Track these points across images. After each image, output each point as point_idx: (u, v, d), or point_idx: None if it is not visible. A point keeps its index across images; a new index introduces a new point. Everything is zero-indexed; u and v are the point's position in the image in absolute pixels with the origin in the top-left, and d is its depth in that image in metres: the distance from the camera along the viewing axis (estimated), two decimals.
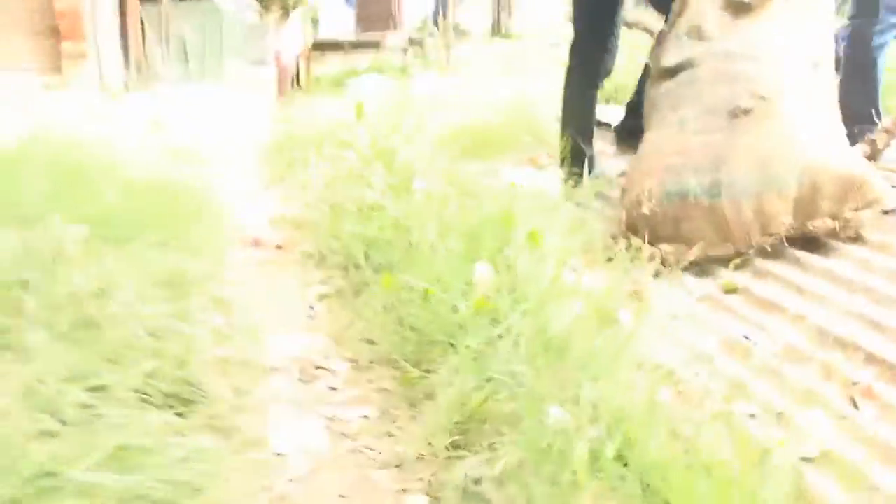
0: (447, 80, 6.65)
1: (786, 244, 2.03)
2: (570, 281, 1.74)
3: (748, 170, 2.04)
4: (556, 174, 2.82)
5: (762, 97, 2.10)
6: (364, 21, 15.68)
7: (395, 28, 12.44)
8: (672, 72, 2.37)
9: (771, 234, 2.04)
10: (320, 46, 8.04)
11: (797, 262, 2.03)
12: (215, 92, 12.16)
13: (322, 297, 2.18)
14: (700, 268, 2.10)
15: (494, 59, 9.43)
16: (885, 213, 2.07)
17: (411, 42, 8.29)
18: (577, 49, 2.88)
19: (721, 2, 2.35)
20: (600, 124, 3.22)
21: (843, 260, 2.00)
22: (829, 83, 2.31)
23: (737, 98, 2.13)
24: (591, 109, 2.95)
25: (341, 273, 2.25)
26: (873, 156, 2.38)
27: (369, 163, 2.81)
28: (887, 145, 2.42)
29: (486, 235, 1.90)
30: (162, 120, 5.23)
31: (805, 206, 2.01)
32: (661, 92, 2.39)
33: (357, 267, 2.14)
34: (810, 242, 2.06)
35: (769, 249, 2.06)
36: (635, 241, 2.15)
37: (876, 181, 2.04)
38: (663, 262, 2.09)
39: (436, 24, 15.28)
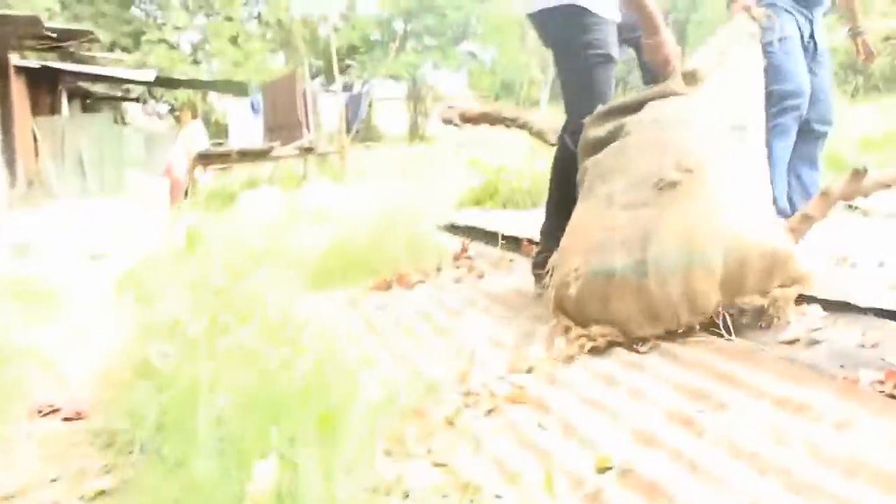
0: (340, 190, 6.38)
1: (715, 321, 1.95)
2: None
3: (675, 246, 1.96)
4: None
5: (688, 169, 2.04)
6: (272, 129, 15.53)
7: (303, 135, 12.22)
8: (602, 143, 2.33)
9: (700, 313, 1.96)
10: (205, 158, 7.69)
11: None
12: (109, 207, 11.64)
13: (97, 496, 1.70)
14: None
15: (401, 164, 9.29)
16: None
17: (306, 151, 8.00)
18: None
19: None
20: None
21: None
22: (757, 150, 2.27)
23: (664, 170, 2.07)
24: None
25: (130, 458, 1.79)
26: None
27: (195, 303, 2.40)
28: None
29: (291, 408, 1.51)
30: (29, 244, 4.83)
31: (732, 282, 1.93)
32: (590, 164, 2.34)
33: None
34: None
35: (697, 329, 1.98)
36: (564, 321, 2.12)
37: (801, 259, 1.98)
38: (593, 346, 2.03)
39: (348, 130, 15.24)
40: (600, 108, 2.46)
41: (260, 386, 1.63)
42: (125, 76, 12.80)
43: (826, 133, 3.16)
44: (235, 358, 1.84)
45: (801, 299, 2.02)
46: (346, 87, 21.22)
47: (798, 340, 1.82)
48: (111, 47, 19.62)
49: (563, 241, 2.27)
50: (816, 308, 1.95)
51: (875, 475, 1.21)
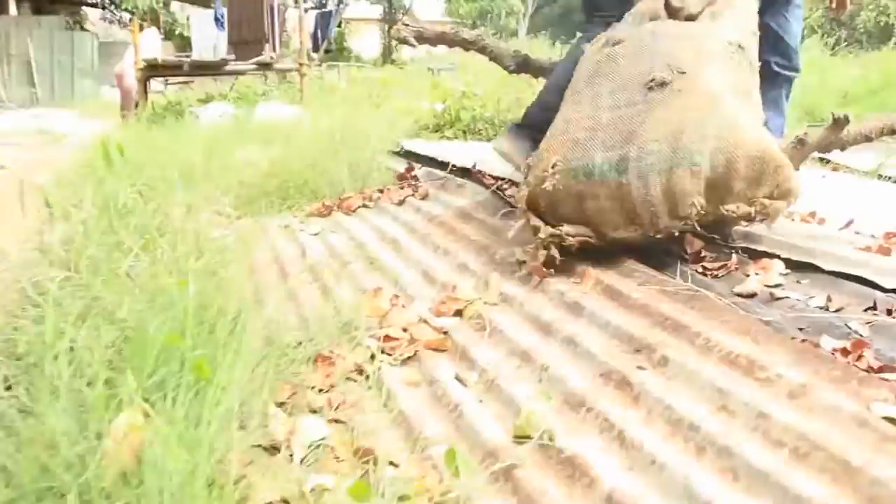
0: (294, 110, 6.03)
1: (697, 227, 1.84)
2: None
3: (659, 144, 1.82)
4: None
5: (681, 70, 1.92)
6: (236, 44, 14.80)
7: (271, 51, 11.65)
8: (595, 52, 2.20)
9: (681, 218, 1.81)
10: (154, 68, 7.20)
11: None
12: (57, 118, 11.07)
13: None
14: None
15: (365, 86, 8.88)
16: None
17: (263, 66, 7.55)
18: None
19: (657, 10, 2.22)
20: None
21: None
22: (753, 69, 2.13)
23: (654, 70, 1.95)
24: None
25: None
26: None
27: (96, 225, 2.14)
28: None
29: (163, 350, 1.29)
30: None
31: (718, 186, 1.79)
32: (579, 70, 2.20)
33: None
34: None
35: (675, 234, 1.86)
36: (534, 220, 1.97)
37: (792, 171, 1.82)
38: (561, 245, 1.90)
39: (316, 49, 14.61)
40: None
41: (135, 323, 1.41)
42: None
43: (791, 79, 2.98)
44: (120, 289, 1.61)
45: (762, 254, 1.84)
46: (320, 5, 20.36)
47: (756, 295, 1.63)
48: None
49: (543, 143, 2.09)
50: (778, 264, 1.76)
51: (826, 461, 1.03)
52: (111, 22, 21.44)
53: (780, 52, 2.88)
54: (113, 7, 19.47)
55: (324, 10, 15.49)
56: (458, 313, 1.81)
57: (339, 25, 16.68)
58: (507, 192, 2.82)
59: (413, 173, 3.40)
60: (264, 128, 5.00)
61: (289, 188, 3.43)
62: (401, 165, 3.65)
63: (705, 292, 1.60)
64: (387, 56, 24.46)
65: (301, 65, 7.15)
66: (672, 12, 2.18)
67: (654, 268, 1.82)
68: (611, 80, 2.04)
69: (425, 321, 1.78)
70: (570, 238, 1.90)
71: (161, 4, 17.87)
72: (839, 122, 1.90)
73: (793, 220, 2.69)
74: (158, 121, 6.17)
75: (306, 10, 15.79)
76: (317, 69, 8.99)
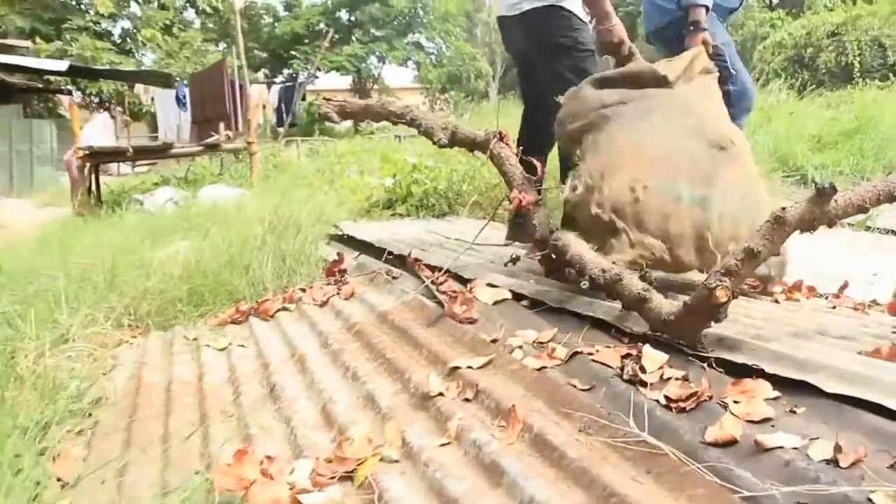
0: (237, 193, 5.66)
1: None
2: None
3: (736, 198, 2.09)
4: None
5: (732, 141, 2.20)
6: (199, 123, 14.63)
7: (233, 130, 11.43)
8: (606, 105, 2.32)
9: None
10: (94, 156, 6.82)
11: None
12: (12, 207, 10.67)
13: None
14: None
15: (324, 160, 8.56)
16: None
17: (210, 148, 7.20)
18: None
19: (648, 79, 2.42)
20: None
21: None
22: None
23: (710, 133, 2.20)
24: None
25: None
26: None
27: None
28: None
29: None
30: None
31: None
32: (598, 116, 2.30)
33: None
34: None
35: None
36: (620, 223, 2.08)
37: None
38: (640, 256, 2.05)
39: (280, 124, 14.37)
40: (595, 75, 2.49)
41: None
42: (35, 66, 11.76)
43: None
44: None
45: (742, 369, 1.42)
46: (290, 78, 20.34)
47: (735, 443, 1.20)
48: (30, 35, 18.41)
49: (602, 158, 2.20)
50: (764, 386, 1.34)
51: None
52: (82, 107, 21.26)
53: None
54: (79, 92, 19.34)
55: (287, 84, 15.41)
56: (347, 477, 1.36)
57: (304, 98, 16.51)
58: (441, 288, 2.41)
59: (342, 266, 2.99)
60: (198, 215, 4.60)
61: (203, 292, 2.99)
62: (336, 254, 3.24)
63: (666, 449, 1.17)
64: (357, 126, 24.45)
65: (249, 143, 6.80)
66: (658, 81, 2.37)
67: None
68: (664, 120, 2.22)
69: (307, 479, 1.34)
70: (650, 252, 2.05)
71: (125, 87, 17.73)
72: (824, 194, 1.50)
73: (777, 300, 2.31)
74: (94, 211, 5.77)
75: (269, 86, 15.70)
76: (272, 145, 8.64)
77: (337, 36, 25.51)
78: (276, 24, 26.50)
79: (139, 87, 17.55)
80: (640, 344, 1.59)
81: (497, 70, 27.39)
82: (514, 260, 2.61)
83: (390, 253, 3.08)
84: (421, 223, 4.33)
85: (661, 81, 2.39)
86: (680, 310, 1.55)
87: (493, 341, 1.83)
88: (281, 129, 13.15)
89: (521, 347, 1.72)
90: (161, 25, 21.43)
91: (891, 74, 13.66)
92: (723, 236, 2.03)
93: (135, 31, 21.60)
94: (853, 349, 1.57)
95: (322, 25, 25.17)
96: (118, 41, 21.43)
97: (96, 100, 20.27)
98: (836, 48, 15.16)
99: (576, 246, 2.02)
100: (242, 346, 2.45)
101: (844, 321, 1.92)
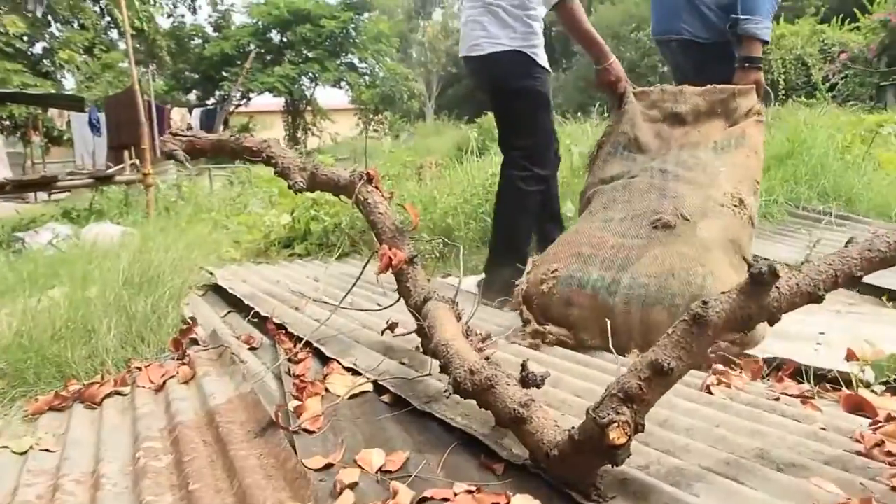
0: (118, 232, 5.10)
1: None
2: None
3: (648, 279, 2.09)
4: None
5: (685, 217, 2.22)
6: (116, 149, 13.88)
7: (153, 156, 10.74)
8: (611, 179, 2.53)
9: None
10: None
11: None
12: None
13: None
14: None
15: (232, 190, 8.02)
16: None
17: (100, 180, 6.59)
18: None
19: (656, 114, 2.59)
20: None
21: None
22: (749, 223, 2.35)
23: (662, 211, 2.25)
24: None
25: None
26: None
27: None
28: None
29: None
30: None
31: None
32: (596, 192, 2.53)
33: None
34: None
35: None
36: (526, 314, 2.25)
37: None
38: (543, 340, 2.19)
39: None
40: (605, 148, 2.67)
41: None
42: None
43: None
44: None
45: None
46: (221, 100, 19.55)
47: None
48: None
49: (551, 248, 2.39)
50: None
51: None
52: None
53: None
54: None
55: (208, 107, 14.73)
56: None
57: (226, 123, 15.83)
58: (297, 369, 1.96)
59: (192, 334, 2.50)
60: (61, 261, 4.03)
61: (24, 367, 2.46)
62: (188, 318, 2.75)
63: None
64: (294, 147, 23.81)
65: (145, 174, 6.22)
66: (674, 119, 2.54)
67: None
68: (623, 210, 2.34)
69: None
70: (551, 336, 2.18)
71: (38, 111, 16.77)
72: (761, 282, 1.11)
73: (710, 388, 1.89)
74: None
75: (190, 110, 14.99)
76: (185, 174, 8.03)
77: (269, 57, 24.87)
78: (205, 46, 25.68)
79: (53, 112, 16.61)
80: (508, 494, 1.16)
81: (433, 90, 27.14)
82: (392, 328, 2.18)
83: (256, 314, 2.62)
84: (315, 267, 3.86)
85: (678, 121, 2.55)
86: (566, 444, 1.12)
87: (327, 466, 1.38)
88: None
89: (352, 487, 1.27)
90: (81, 47, 20.48)
91: (816, 92, 13.84)
92: (630, 320, 2.05)
93: (53, 52, 20.58)
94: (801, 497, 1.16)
95: (252, 46, 24.53)
96: (36, 62, 20.36)
97: (8, 123, 19.17)
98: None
99: (445, 329, 1.59)
100: (47, 450, 1.94)
101: (790, 430, 1.49)
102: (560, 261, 2.25)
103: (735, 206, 2.30)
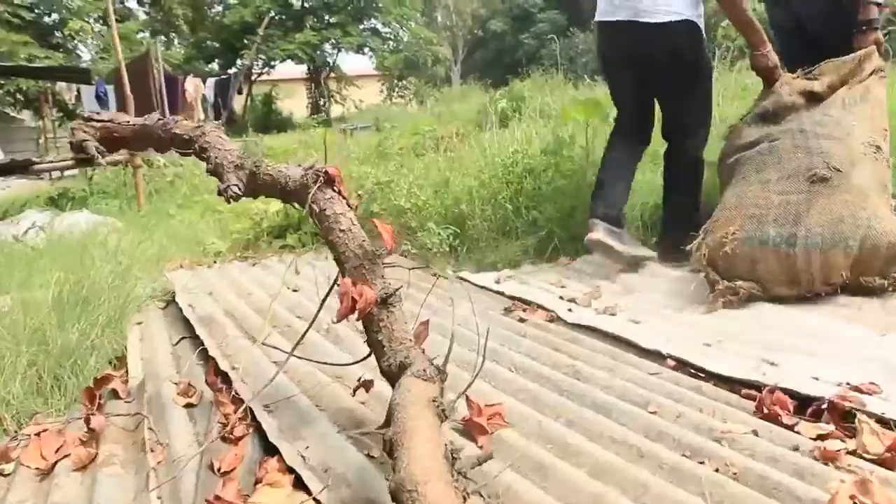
0: (96, 221, 4.55)
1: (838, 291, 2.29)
2: None
3: (822, 228, 2.31)
4: None
5: (837, 168, 2.40)
6: None
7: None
8: (752, 144, 2.69)
9: (830, 284, 2.29)
10: None
11: None
12: None
13: None
14: None
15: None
16: None
17: (83, 162, 6.01)
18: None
19: (797, 98, 2.70)
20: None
21: None
22: (886, 165, 2.53)
23: (815, 167, 2.43)
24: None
25: None
26: None
27: None
28: None
29: None
30: None
31: (862, 263, 2.28)
32: (741, 158, 2.68)
33: None
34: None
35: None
36: (712, 275, 2.44)
37: None
38: (735, 294, 2.38)
39: (217, 118, 13.11)
40: (746, 119, 2.81)
41: None
42: None
43: None
44: None
45: None
46: (242, 69, 18.83)
47: None
48: None
49: (718, 214, 2.56)
50: None
51: None
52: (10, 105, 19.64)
53: None
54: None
55: (221, 77, 14.06)
56: None
57: (241, 91, 15.14)
58: (226, 458, 1.35)
59: (111, 384, 1.91)
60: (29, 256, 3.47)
61: None
62: (161, 335, 2.17)
63: None
64: (316, 115, 23.06)
65: (132, 155, 5.63)
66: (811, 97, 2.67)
67: None
68: (776, 171, 2.53)
69: None
70: (742, 290, 2.38)
71: (47, 85, 16.28)
72: None
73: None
74: None
75: (204, 80, 14.34)
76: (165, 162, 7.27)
77: (289, 23, 24.13)
78: (225, 13, 25.00)
79: (62, 85, 16.08)
80: None
81: (459, 55, 26.20)
82: (365, 387, 1.56)
83: (203, 350, 2.02)
84: (304, 265, 3.24)
85: (814, 98, 2.67)
86: None
87: None
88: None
89: None
90: (94, 17, 19.92)
91: None
92: (812, 266, 2.30)
93: (65, 22, 20.03)
94: None
95: (273, 13, 23.80)
96: (47, 34, 19.84)
97: (21, 98, 18.71)
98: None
99: (416, 452, 0.97)
100: None
101: None
102: (735, 223, 2.47)
103: (874, 152, 2.54)
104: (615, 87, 3.01)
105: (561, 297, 2.59)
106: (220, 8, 25.83)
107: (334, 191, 1.47)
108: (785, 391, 1.54)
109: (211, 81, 13.85)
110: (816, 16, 2.95)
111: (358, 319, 1.35)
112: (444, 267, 3.16)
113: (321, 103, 24.89)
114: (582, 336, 2.18)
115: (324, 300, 1.53)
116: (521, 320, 2.37)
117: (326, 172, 1.47)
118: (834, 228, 2.30)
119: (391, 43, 24.52)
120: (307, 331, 1.55)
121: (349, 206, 1.48)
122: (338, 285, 1.42)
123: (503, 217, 3.39)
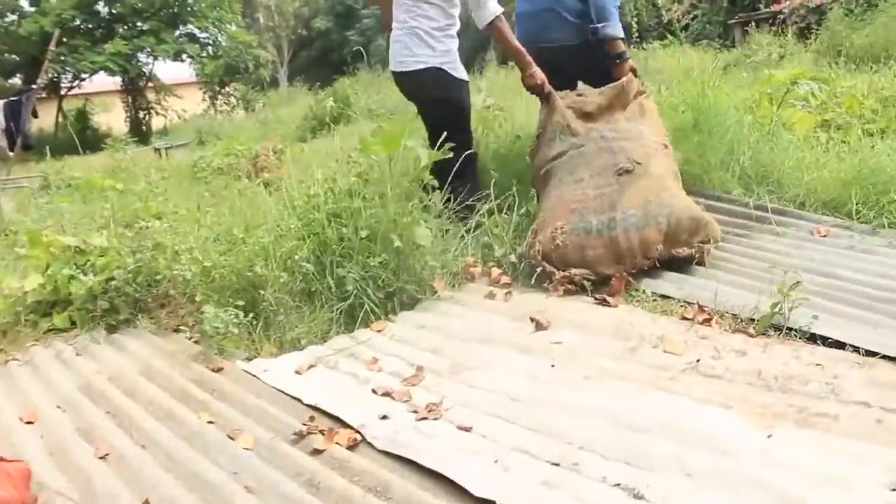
0: None
1: (657, 265, 2.79)
2: None
3: (634, 210, 2.79)
4: None
5: (638, 162, 2.93)
6: None
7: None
8: (560, 154, 3.16)
9: (648, 258, 2.78)
10: None
11: None
12: None
13: None
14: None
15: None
16: None
17: None
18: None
19: (572, 113, 3.23)
20: None
21: None
22: (673, 159, 3.15)
23: (619, 162, 2.95)
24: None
25: None
26: None
27: None
28: None
29: None
30: None
31: (671, 237, 2.78)
32: (552, 168, 3.16)
33: None
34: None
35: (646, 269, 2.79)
36: (549, 267, 2.84)
37: (714, 224, 2.88)
38: (571, 282, 2.79)
39: (12, 147, 11.96)
40: (546, 135, 3.29)
41: None
42: None
43: None
44: None
45: None
46: (33, 91, 17.25)
47: None
48: None
49: (542, 214, 3.03)
50: None
51: None
52: None
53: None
54: None
55: (11, 99, 12.73)
56: None
57: (35, 114, 13.82)
58: None
59: None
60: None
61: None
62: None
63: None
64: (137, 132, 21.62)
65: None
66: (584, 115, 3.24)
67: None
68: (587, 170, 3.01)
69: None
70: (577, 277, 2.78)
71: None
72: None
73: None
74: None
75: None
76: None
77: (97, 33, 22.46)
78: (21, 23, 22.82)
79: None
80: None
81: (285, 56, 25.52)
82: None
83: None
84: (73, 356, 2.91)
85: (588, 117, 3.21)
86: None
87: None
88: (11, 154, 10.95)
89: None
90: None
91: (667, 34, 13.72)
92: (631, 245, 2.76)
93: None
94: None
95: (77, 21, 22.05)
96: None
97: None
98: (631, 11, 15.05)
99: None
100: None
101: None
102: (560, 219, 2.87)
103: (664, 149, 3.10)
104: None
105: (374, 391, 2.24)
106: (14, 17, 23.57)
107: None
108: None
109: (0, 103, 12.52)
110: (565, 66, 3.44)
111: None
112: (235, 351, 2.73)
113: (140, 116, 23.43)
114: (394, 476, 1.76)
115: None
116: (316, 451, 1.94)
117: None
118: (645, 209, 2.76)
119: (210, 48, 23.45)
120: None
121: None
122: None
123: (305, 278, 2.92)
